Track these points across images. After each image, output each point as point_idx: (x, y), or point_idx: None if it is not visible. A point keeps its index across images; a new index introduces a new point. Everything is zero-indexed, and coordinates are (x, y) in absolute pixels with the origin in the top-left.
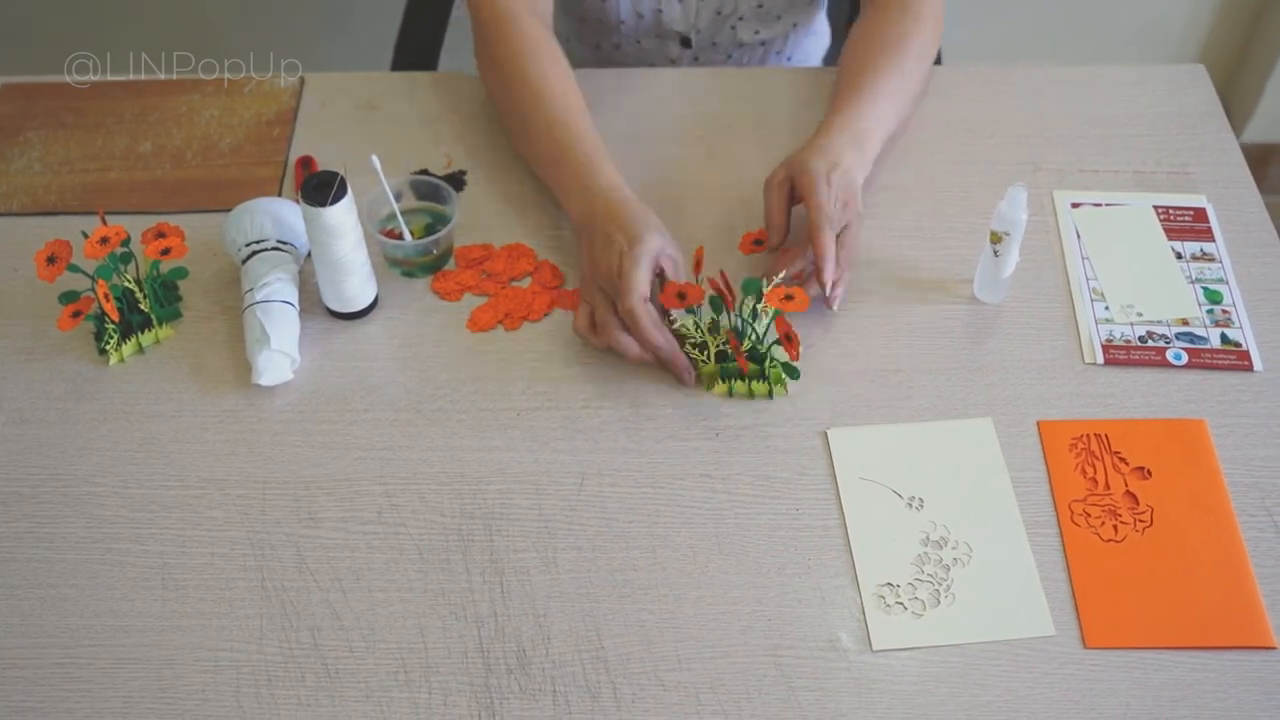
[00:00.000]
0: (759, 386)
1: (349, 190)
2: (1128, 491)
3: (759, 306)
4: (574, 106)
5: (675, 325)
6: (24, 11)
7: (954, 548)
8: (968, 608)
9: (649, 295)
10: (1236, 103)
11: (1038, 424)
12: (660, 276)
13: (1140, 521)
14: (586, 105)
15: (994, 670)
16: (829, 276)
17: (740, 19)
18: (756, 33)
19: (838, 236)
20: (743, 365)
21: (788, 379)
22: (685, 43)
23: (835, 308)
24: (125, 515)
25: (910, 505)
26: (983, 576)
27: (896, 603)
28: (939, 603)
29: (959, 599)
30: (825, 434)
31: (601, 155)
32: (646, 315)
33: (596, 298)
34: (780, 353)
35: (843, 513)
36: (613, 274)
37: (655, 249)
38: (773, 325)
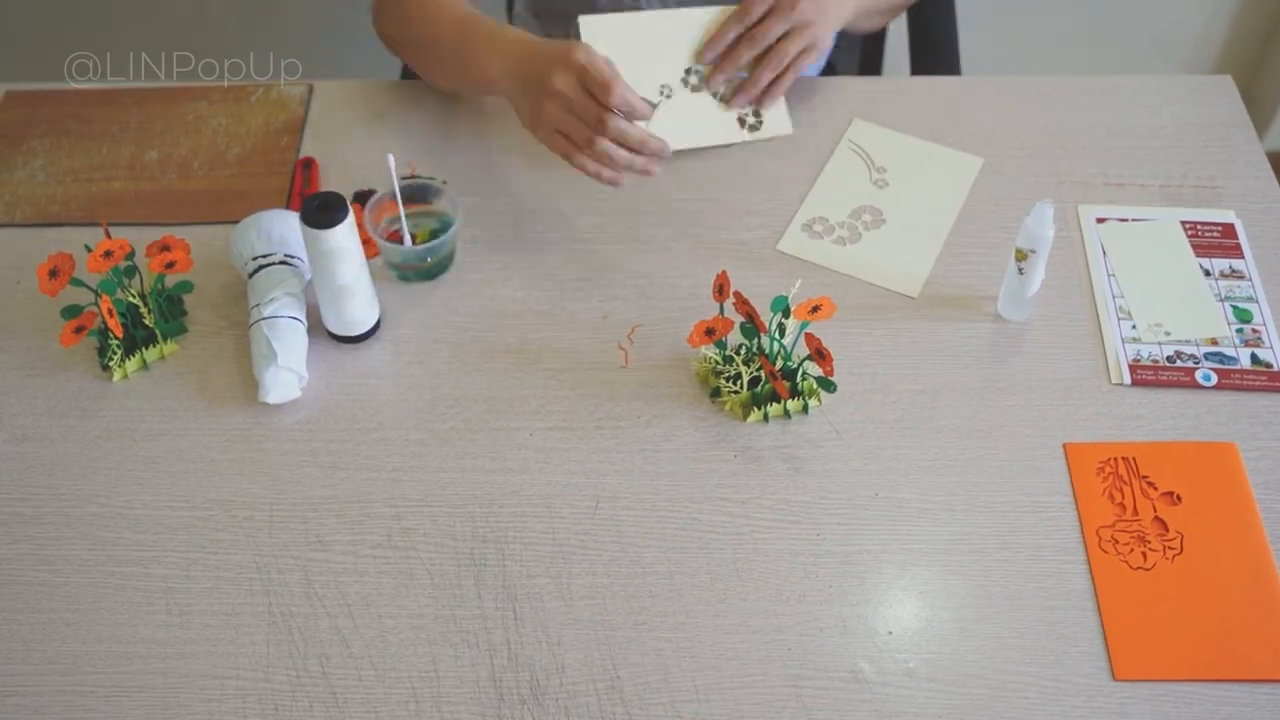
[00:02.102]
0: (794, 404)
1: (350, 211)
2: (1157, 517)
3: (786, 322)
4: (468, 7)
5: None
6: (24, 12)
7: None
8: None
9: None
10: (1255, 112)
11: (1064, 446)
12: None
13: (1170, 549)
14: None
15: (1020, 703)
16: (712, 52)
17: None
18: None
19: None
20: (782, 391)
21: (823, 391)
22: None
23: (736, 102)
24: (129, 537)
25: (876, 184)
26: (891, 238)
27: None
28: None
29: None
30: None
31: (503, 24)
32: (634, 96)
33: (560, 119)
34: (811, 367)
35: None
36: (568, 90)
37: (578, 60)
38: (801, 340)
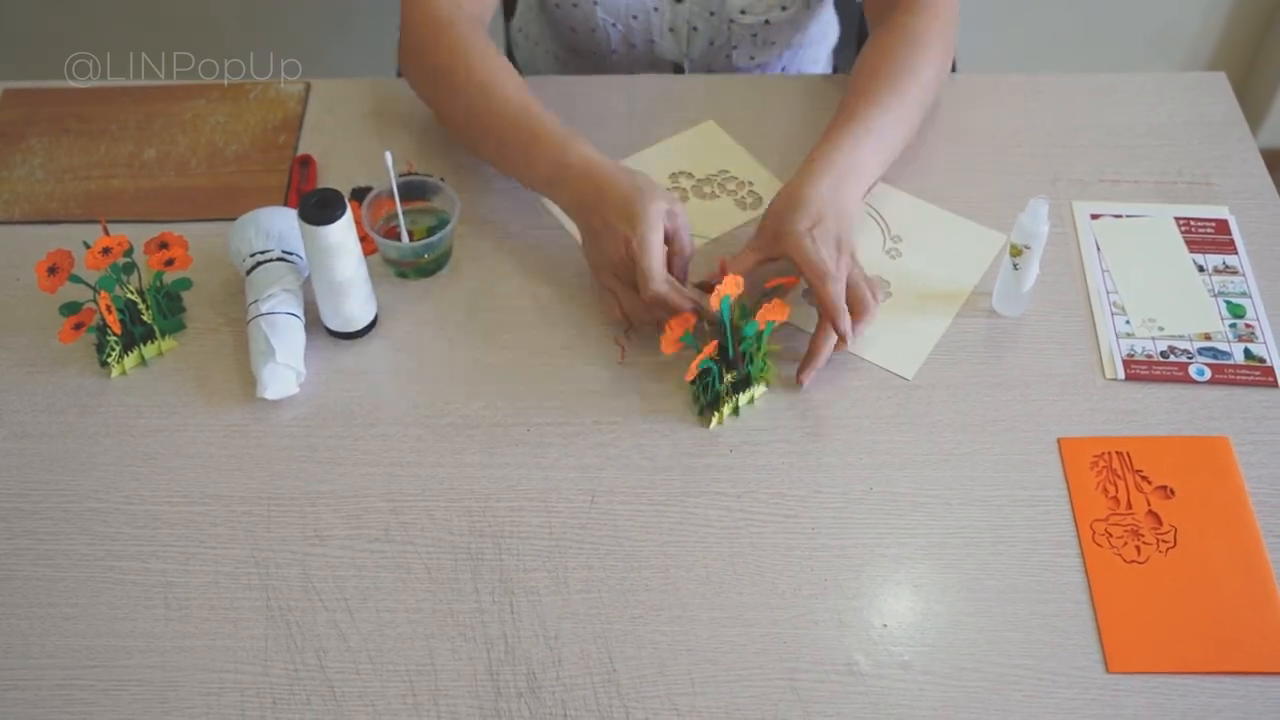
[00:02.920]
0: (745, 396)
1: (348, 208)
2: (1150, 511)
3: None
4: (527, 95)
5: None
6: (24, 12)
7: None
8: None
9: (665, 268)
10: (1249, 108)
11: (1058, 441)
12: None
13: (1163, 542)
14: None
15: (1015, 695)
16: (844, 328)
17: (734, 48)
18: (752, 58)
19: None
20: (709, 351)
21: (772, 367)
22: (679, 70)
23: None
24: (128, 532)
25: (889, 254)
26: (894, 314)
27: None
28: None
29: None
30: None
31: (568, 132)
32: (673, 293)
33: (615, 285)
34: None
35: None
36: (625, 261)
37: (657, 223)
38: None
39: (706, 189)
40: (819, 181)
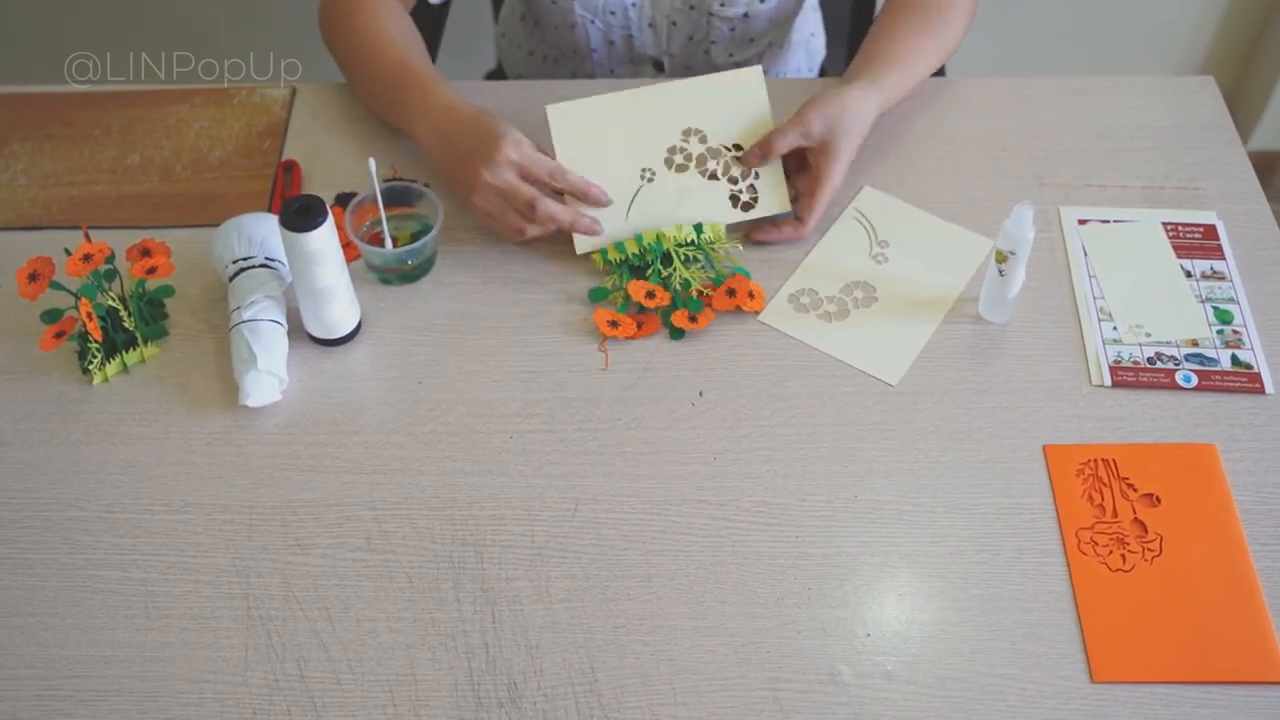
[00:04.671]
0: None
1: (329, 214)
2: (1136, 519)
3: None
4: (411, 47)
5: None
6: (24, 12)
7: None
8: (856, 332)
9: (534, 193)
10: (1242, 111)
11: (1044, 448)
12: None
13: (1149, 550)
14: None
15: (998, 705)
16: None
17: (713, 43)
18: (731, 55)
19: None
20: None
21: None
22: (659, 67)
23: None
24: (109, 541)
25: (875, 259)
26: (880, 319)
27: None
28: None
29: (855, 324)
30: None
31: (438, 80)
32: (559, 211)
33: (496, 211)
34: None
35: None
36: (505, 184)
37: (511, 158)
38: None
39: (710, 164)
40: (867, 99)
